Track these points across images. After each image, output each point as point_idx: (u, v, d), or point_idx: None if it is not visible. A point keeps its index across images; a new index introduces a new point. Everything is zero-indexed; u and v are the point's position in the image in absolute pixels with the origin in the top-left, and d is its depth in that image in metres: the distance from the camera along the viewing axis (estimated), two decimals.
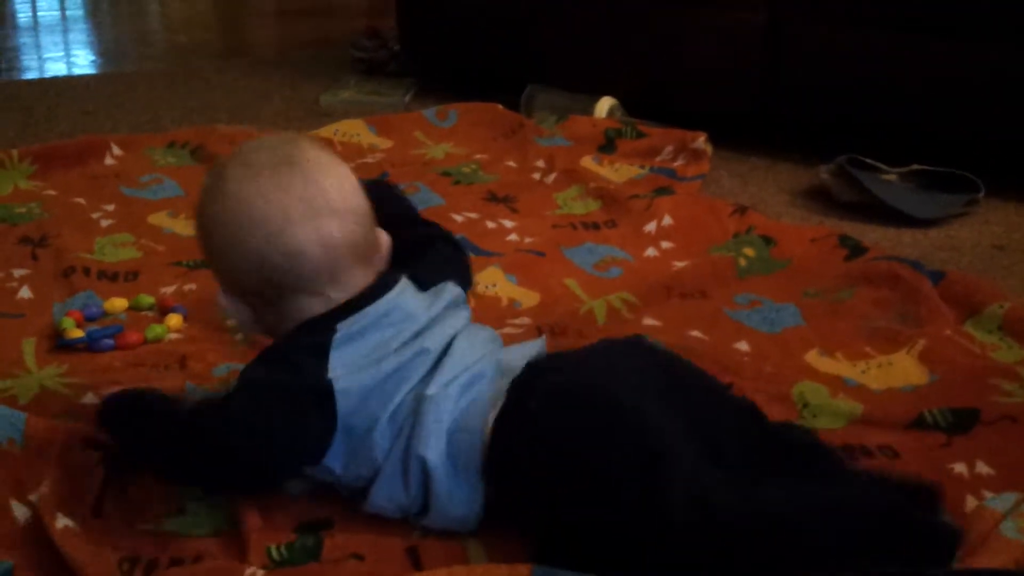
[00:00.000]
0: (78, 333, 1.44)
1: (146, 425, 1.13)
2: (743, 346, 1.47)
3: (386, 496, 1.07)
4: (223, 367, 1.37)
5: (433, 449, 1.04)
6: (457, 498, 1.05)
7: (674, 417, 1.02)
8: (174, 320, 1.51)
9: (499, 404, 1.05)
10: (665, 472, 0.96)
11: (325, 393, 1.05)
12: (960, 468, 1.17)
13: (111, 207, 1.95)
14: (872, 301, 1.57)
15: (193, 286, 1.63)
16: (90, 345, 1.43)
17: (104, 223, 1.88)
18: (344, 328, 1.09)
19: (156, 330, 1.47)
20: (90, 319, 1.52)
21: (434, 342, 1.11)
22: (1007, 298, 1.54)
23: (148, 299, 1.57)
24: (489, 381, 1.09)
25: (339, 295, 1.12)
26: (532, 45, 2.64)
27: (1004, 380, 1.34)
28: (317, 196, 1.10)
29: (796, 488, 0.99)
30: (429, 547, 1.06)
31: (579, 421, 1.01)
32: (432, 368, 1.09)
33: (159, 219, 1.91)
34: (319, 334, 1.09)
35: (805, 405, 1.32)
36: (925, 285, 1.57)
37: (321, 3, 4.08)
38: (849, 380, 1.38)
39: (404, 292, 1.15)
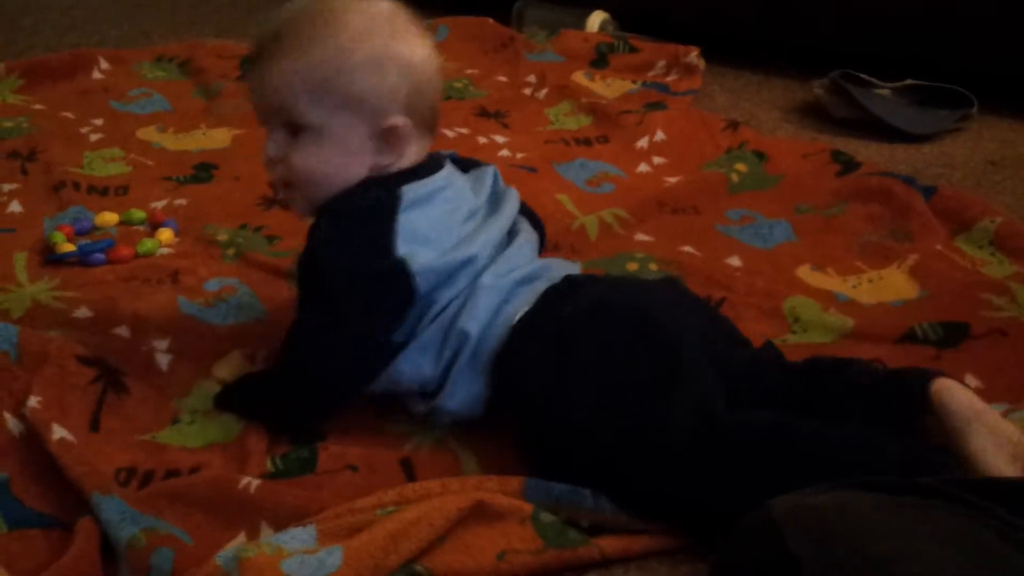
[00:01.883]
0: (69, 247, 1.44)
1: (257, 390, 1.15)
2: (735, 261, 1.47)
3: (413, 365, 1.08)
4: (214, 282, 1.37)
5: (475, 326, 1.07)
6: (472, 381, 1.08)
7: (699, 347, 1.04)
8: (165, 235, 1.50)
9: (531, 304, 1.09)
10: (680, 388, 0.98)
11: (401, 272, 1.06)
12: None
13: (100, 121, 1.94)
14: (864, 216, 1.58)
15: (183, 201, 1.63)
16: (81, 259, 1.43)
17: (93, 137, 1.87)
18: (411, 192, 1.10)
19: (147, 244, 1.47)
20: (81, 233, 1.51)
21: (492, 230, 1.15)
22: (998, 213, 1.54)
23: (139, 213, 1.57)
24: (540, 283, 1.12)
25: (394, 162, 1.13)
26: None
27: (994, 295, 1.35)
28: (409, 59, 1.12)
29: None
30: (422, 458, 1.07)
31: (609, 334, 1.04)
32: (492, 258, 1.13)
33: (148, 134, 1.90)
34: (385, 192, 1.10)
35: (796, 319, 1.32)
36: (917, 200, 1.57)
37: None
38: (840, 295, 1.39)
39: (454, 172, 1.18)
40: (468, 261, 1.10)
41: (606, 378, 1.01)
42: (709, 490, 0.94)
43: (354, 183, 1.11)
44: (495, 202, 1.20)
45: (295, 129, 1.10)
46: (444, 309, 1.09)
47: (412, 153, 1.14)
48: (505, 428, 1.10)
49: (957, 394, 0.96)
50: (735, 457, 0.94)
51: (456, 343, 1.07)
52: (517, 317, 1.08)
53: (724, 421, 0.96)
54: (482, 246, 1.12)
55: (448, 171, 1.16)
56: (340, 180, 1.11)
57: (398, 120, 1.11)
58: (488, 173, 1.22)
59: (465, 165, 1.24)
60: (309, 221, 1.13)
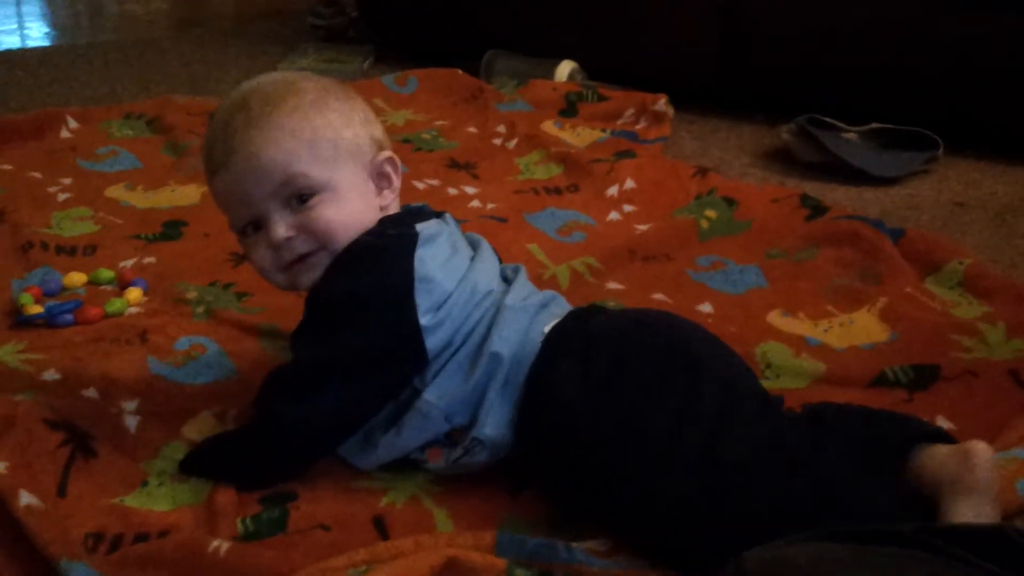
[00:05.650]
0: (37, 309, 1.43)
1: (226, 449, 1.16)
2: (706, 308, 1.48)
3: (441, 392, 1.08)
4: (184, 340, 1.36)
5: (507, 348, 1.08)
6: (505, 404, 1.07)
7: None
8: (134, 294, 1.49)
9: (555, 321, 1.12)
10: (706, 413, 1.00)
11: (415, 339, 1.08)
12: None
13: (68, 181, 1.93)
14: (834, 260, 1.58)
15: (152, 259, 1.62)
16: (49, 321, 1.41)
17: (61, 197, 1.86)
18: (424, 230, 1.13)
19: (116, 304, 1.46)
20: (49, 294, 1.50)
21: (490, 262, 1.19)
22: (967, 254, 1.55)
23: (107, 273, 1.56)
24: (555, 307, 1.16)
25: (391, 201, 1.19)
26: (491, 9, 2.61)
27: (964, 336, 1.35)
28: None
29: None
30: (395, 515, 1.06)
31: (639, 344, 1.07)
32: (504, 290, 1.15)
33: (116, 192, 1.89)
34: (404, 228, 1.13)
35: (768, 365, 1.32)
36: (886, 243, 1.58)
37: None
38: (811, 339, 1.39)
39: (440, 218, 1.21)
40: (487, 294, 1.12)
41: (636, 388, 1.03)
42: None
43: (369, 227, 1.14)
44: (473, 244, 1.22)
45: (304, 197, 1.11)
46: (469, 335, 1.09)
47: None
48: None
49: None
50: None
51: (488, 367, 1.07)
52: (546, 331, 1.10)
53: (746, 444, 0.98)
54: (489, 280, 1.15)
55: (436, 218, 1.19)
56: (361, 227, 1.14)
57: (389, 152, 1.18)
58: (450, 218, 1.23)
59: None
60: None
